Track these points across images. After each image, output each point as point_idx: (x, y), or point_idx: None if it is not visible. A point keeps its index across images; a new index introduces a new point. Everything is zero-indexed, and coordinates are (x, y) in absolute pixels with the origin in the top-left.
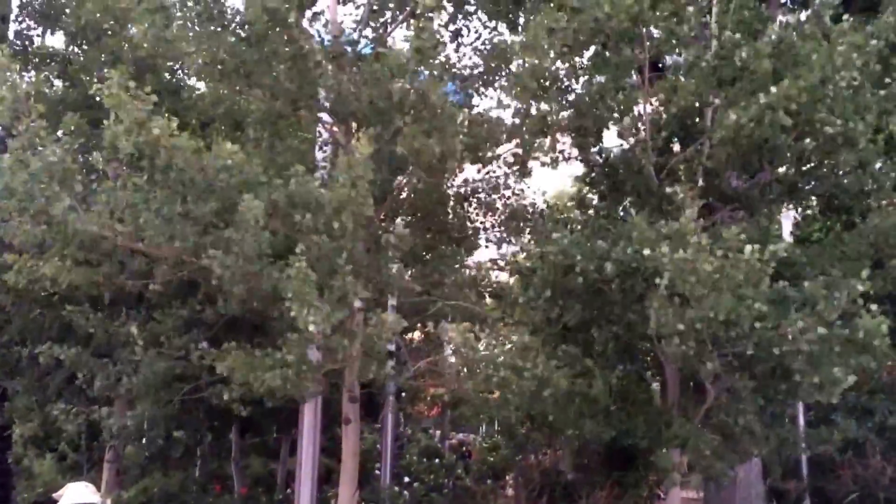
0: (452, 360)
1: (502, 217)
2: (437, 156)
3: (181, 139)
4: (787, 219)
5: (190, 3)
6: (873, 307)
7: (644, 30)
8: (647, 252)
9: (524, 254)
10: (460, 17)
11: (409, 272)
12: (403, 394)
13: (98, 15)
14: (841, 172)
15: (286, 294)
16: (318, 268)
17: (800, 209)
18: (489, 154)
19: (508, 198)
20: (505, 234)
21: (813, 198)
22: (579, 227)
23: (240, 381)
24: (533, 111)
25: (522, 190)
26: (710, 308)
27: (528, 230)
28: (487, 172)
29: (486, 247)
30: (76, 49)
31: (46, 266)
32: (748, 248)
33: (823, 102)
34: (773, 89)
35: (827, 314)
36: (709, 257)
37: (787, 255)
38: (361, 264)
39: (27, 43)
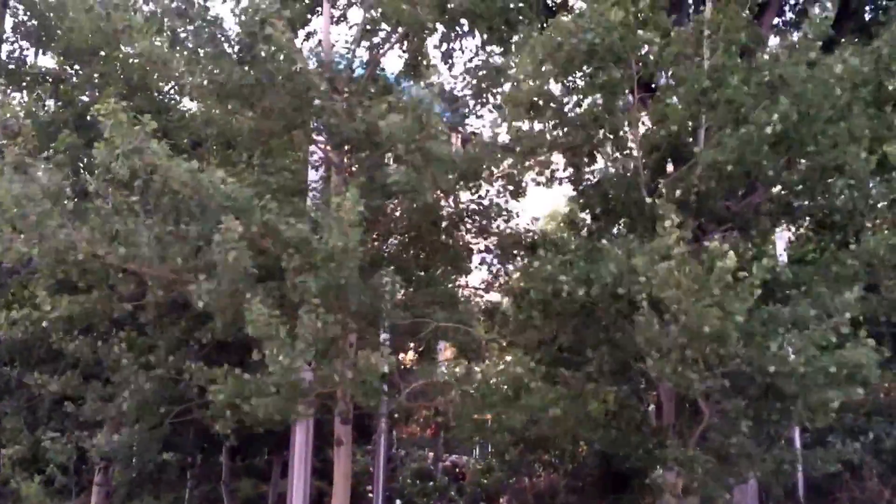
0: (445, 381)
1: (496, 240)
2: (430, 191)
3: (178, 162)
4: (781, 239)
5: (186, 25)
6: (863, 335)
7: (634, 49)
8: (635, 263)
9: (517, 274)
10: (452, 36)
11: (402, 292)
12: (396, 415)
13: (90, 36)
14: (833, 194)
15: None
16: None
17: (793, 229)
18: (482, 177)
19: (505, 220)
20: (498, 258)
21: (806, 217)
22: (571, 249)
23: (225, 403)
24: (525, 127)
25: (518, 214)
26: (695, 321)
27: (520, 252)
28: (480, 196)
29: (478, 269)
30: (68, 69)
31: (40, 298)
32: (729, 259)
33: (813, 126)
34: (763, 115)
35: (817, 337)
36: (689, 267)
37: (778, 274)
38: (351, 296)
39: (20, 63)
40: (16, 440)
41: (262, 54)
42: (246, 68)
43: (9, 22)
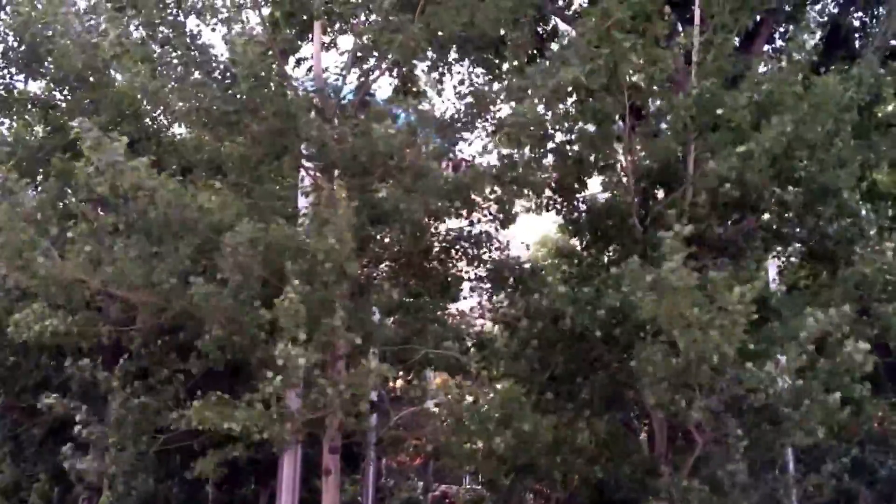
0: (435, 409)
1: (487, 268)
2: (420, 216)
3: (161, 180)
4: (772, 265)
5: (175, 53)
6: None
7: (624, 78)
8: (638, 295)
9: (507, 301)
10: (442, 63)
11: (392, 319)
12: (385, 444)
13: (80, 65)
14: (824, 221)
15: (277, 327)
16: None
17: (784, 256)
18: (473, 203)
19: (497, 249)
20: (489, 286)
21: (798, 244)
22: (565, 276)
23: (206, 425)
24: (516, 157)
25: (508, 242)
26: (697, 348)
27: (512, 279)
28: (471, 223)
29: (467, 297)
30: (58, 94)
31: (21, 314)
32: (736, 290)
33: (801, 151)
34: (752, 142)
35: (804, 340)
36: (695, 301)
37: (769, 298)
38: (346, 310)
39: (9, 89)
40: None
41: (251, 81)
42: (231, 92)
43: None
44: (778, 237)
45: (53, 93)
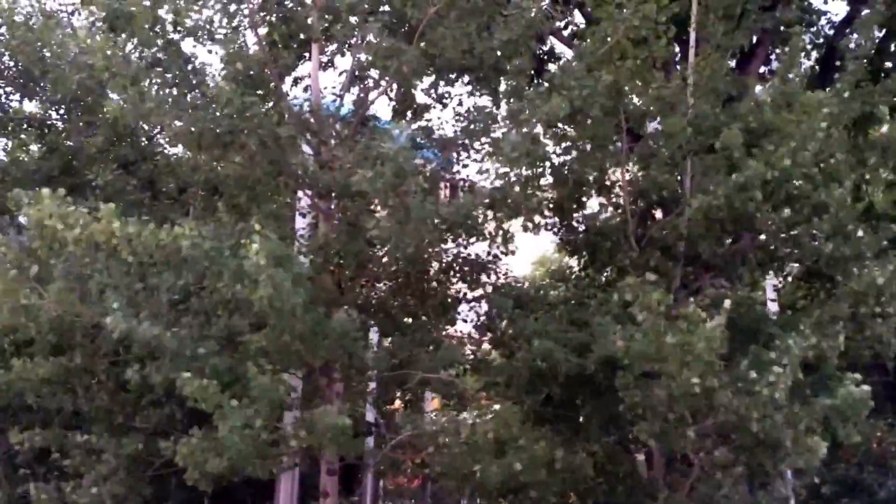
0: (433, 430)
1: (485, 291)
2: (412, 249)
3: (137, 229)
4: (770, 285)
5: (169, 74)
6: (855, 376)
7: (622, 101)
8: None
9: (504, 323)
10: (442, 83)
11: (389, 340)
12: (382, 466)
13: (75, 86)
14: (820, 240)
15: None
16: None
17: (780, 275)
18: (470, 228)
19: (494, 273)
20: (487, 311)
21: (794, 265)
22: (561, 304)
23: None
24: (513, 177)
25: (508, 267)
26: (682, 383)
27: (511, 303)
28: (467, 245)
29: (466, 320)
30: (54, 114)
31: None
32: (709, 324)
33: (796, 172)
34: (748, 166)
35: (793, 363)
36: (671, 337)
37: (762, 320)
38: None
39: (4, 108)
40: None
41: (244, 103)
42: (227, 112)
43: None
44: (773, 256)
45: (49, 112)
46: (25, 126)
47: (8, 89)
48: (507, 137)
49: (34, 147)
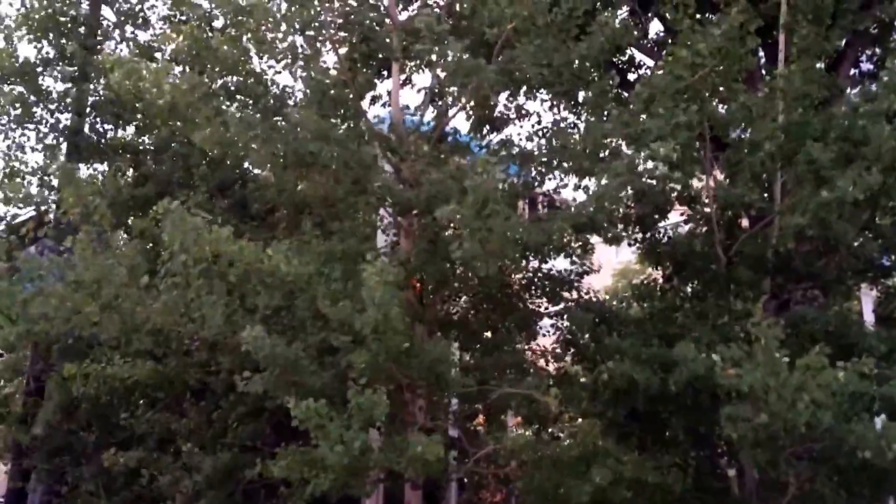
0: (515, 447)
1: (566, 305)
2: (495, 265)
3: (241, 246)
4: (868, 297)
5: (250, 100)
6: None
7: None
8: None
9: (587, 337)
10: (521, 97)
11: (470, 356)
12: (465, 480)
13: (166, 114)
14: None
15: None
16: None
17: (877, 288)
18: (554, 245)
19: (576, 289)
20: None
21: (892, 275)
22: (647, 319)
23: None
24: (592, 187)
25: (589, 287)
26: (789, 416)
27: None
28: (547, 260)
29: (547, 334)
30: (147, 141)
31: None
32: (840, 374)
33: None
34: (840, 183)
35: None
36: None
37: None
38: (408, 367)
39: (100, 136)
40: None
41: (325, 127)
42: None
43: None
44: (869, 268)
45: (142, 139)
46: (120, 152)
47: (105, 117)
48: (611, 166)
49: (129, 173)
